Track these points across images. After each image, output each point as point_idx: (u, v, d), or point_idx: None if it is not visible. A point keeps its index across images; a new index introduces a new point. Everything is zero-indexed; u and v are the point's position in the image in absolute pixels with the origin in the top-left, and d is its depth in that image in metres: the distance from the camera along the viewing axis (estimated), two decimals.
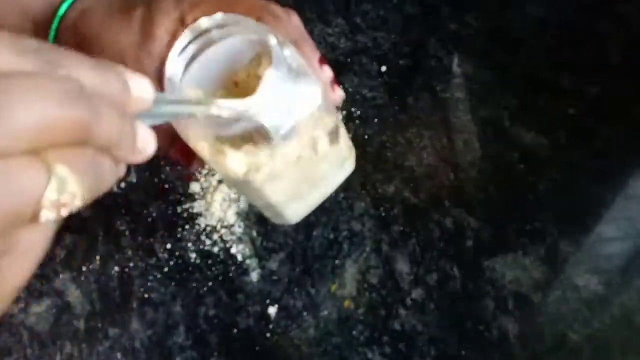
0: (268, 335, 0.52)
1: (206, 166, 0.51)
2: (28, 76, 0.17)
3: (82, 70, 0.19)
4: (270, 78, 0.29)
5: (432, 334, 0.53)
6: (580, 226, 0.58)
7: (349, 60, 0.64)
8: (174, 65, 0.31)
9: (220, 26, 0.32)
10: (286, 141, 0.31)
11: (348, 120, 0.61)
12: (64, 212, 0.19)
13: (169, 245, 0.55)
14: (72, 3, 0.37)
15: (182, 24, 0.35)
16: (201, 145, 0.31)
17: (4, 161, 0.17)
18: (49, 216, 0.18)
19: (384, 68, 0.64)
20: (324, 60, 0.35)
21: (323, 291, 0.54)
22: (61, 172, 0.18)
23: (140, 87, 0.21)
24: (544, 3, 0.69)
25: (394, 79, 0.64)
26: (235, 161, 0.31)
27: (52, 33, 0.37)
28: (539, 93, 0.64)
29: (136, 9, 0.36)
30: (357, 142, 0.60)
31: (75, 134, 0.18)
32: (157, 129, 0.22)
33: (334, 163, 0.38)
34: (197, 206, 0.56)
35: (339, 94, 0.36)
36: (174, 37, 0.35)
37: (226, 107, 0.28)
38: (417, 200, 0.58)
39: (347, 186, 0.58)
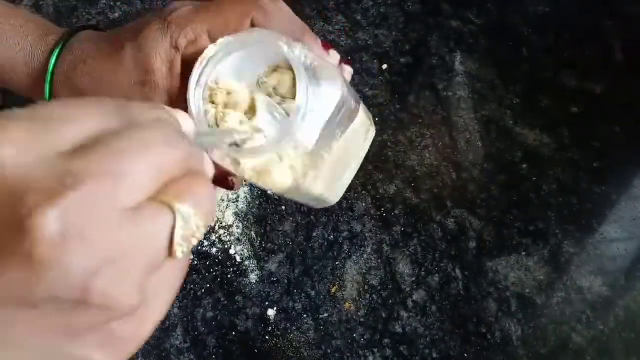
0: (267, 337, 0.52)
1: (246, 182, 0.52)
2: (138, 132, 0.20)
3: (148, 116, 0.22)
4: (301, 92, 0.29)
5: (434, 337, 0.52)
6: (584, 227, 0.57)
7: (349, 58, 0.63)
8: (194, 103, 0.32)
9: (226, 47, 0.32)
10: (324, 138, 0.32)
11: None
12: (194, 242, 0.21)
13: None
14: (59, 57, 0.37)
15: (177, 49, 0.34)
16: (242, 170, 0.32)
17: (136, 212, 0.19)
18: (182, 250, 0.21)
19: (385, 66, 0.63)
20: (327, 45, 0.35)
21: (323, 293, 0.53)
22: (182, 209, 0.20)
23: (185, 123, 0.24)
24: (547, 1, 0.68)
25: (395, 77, 0.63)
26: (281, 175, 0.32)
27: (47, 87, 0.37)
28: (542, 92, 0.63)
29: (125, 48, 0.35)
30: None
31: (182, 168, 0.21)
32: None
33: (361, 139, 0.39)
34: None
35: (348, 71, 0.36)
36: (171, 65, 0.35)
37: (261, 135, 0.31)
38: (419, 201, 0.57)
39: (347, 186, 0.57)
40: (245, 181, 0.46)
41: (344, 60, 0.35)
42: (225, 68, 0.32)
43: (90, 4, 0.64)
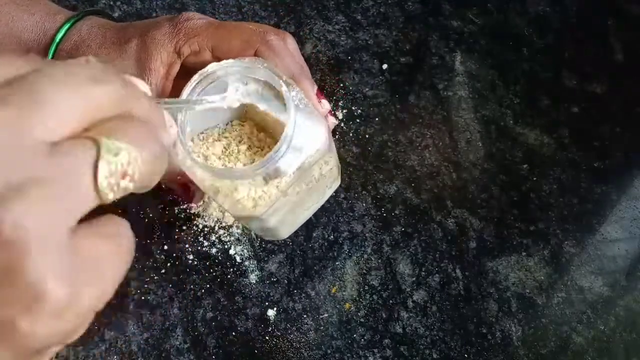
0: (267, 338, 0.51)
1: (207, 197, 0.54)
2: (64, 67, 0.18)
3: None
4: (289, 125, 0.31)
5: (434, 337, 0.52)
6: (584, 227, 0.57)
7: (349, 58, 0.63)
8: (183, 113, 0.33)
9: (228, 69, 0.33)
10: (294, 178, 0.33)
11: (349, 119, 0.60)
12: (129, 183, 0.19)
13: (166, 247, 0.54)
14: (66, 34, 0.37)
15: (178, 55, 0.35)
16: (206, 185, 0.33)
17: (55, 146, 0.17)
18: (112, 187, 0.18)
19: (385, 66, 0.63)
20: (320, 93, 0.36)
21: (323, 293, 0.53)
22: (108, 142, 0.18)
23: (142, 85, 0.22)
24: (548, 0, 0.68)
25: (395, 77, 0.63)
26: (245, 200, 0.33)
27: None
28: (543, 91, 0.63)
29: (131, 41, 0.36)
30: (358, 141, 0.59)
31: (115, 106, 0.19)
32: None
33: (325, 187, 0.41)
34: (195, 207, 0.55)
35: (332, 122, 0.38)
36: (170, 68, 0.35)
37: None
38: (419, 201, 0.57)
39: (347, 186, 0.57)
40: (207, 198, 0.48)
41: (331, 112, 0.37)
42: (214, 89, 0.33)
43: (89, 3, 0.64)
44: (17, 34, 0.38)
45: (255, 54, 0.34)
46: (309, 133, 0.33)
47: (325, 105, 0.36)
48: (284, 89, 0.31)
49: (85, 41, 0.37)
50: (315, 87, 0.36)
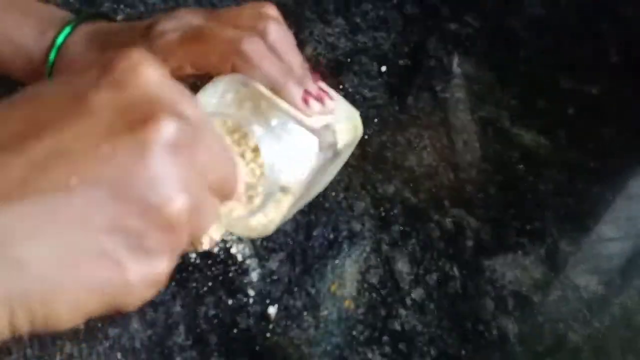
0: (268, 335, 0.52)
1: None
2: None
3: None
4: (265, 166, 0.31)
5: (432, 334, 0.53)
6: (580, 226, 0.58)
7: (348, 60, 0.64)
8: None
9: None
10: (291, 196, 0.33)
11: None
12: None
13: None
14: (59, 49, 0.38)
15: None
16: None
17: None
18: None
19: (384, 68, 0.64)
20: (307, 94, 0.34)
21: (323, 291, 0.54)
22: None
23: None
24: (544, 3, 0.69)
25: (394, 79, 0.63)
26: (254, 222, 0.34)
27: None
28: (539, 93, 0.64)
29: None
30: (358, 141, 0.60)
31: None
32: None
33: (337, 161, 0.39)
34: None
35: (329, 108, 0.36)
36: None
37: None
38: (417, 200, 0.58)
39: (347, 186, 0.58)
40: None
41: (325, 97, 0.36)
42: None
43: (93, 7, 0.65)
44: (11, 51, 0.39)
45: (232, 68, 0.34)
46: (294, 157, 0.32)
47: (315, 107, 0.35)
48: (257, 134, 0.31)
49: (75, 57, 0.38)
50: (301, 92, 0.34)
